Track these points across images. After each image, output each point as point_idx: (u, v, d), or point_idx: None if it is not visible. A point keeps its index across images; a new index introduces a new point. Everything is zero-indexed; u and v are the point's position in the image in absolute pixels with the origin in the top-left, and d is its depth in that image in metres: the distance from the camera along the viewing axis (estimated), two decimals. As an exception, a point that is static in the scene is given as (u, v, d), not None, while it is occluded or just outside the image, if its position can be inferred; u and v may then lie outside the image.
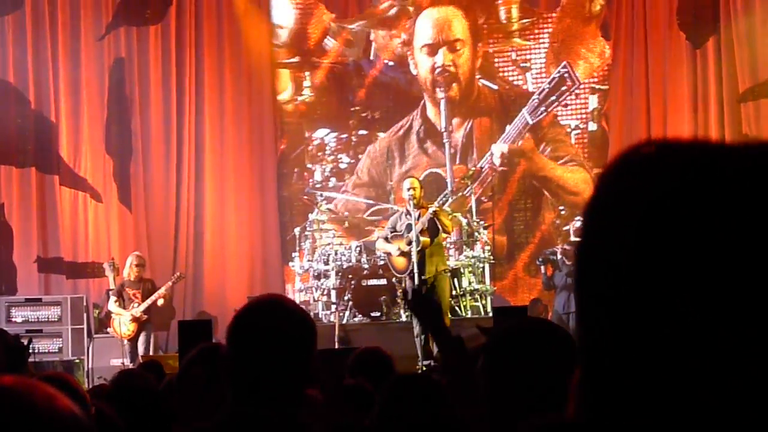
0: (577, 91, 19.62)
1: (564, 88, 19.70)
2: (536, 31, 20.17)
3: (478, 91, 20.24)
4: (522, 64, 20.28)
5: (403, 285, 14.08)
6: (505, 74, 20.36)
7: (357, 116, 20.10)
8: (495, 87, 20.17)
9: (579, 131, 19.67)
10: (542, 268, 16.80)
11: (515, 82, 20.28)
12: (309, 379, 3.04)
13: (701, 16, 17.74)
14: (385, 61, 20.44)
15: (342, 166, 19.74)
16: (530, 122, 19.83)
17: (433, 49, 20.17)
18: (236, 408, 2.99)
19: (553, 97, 19.70)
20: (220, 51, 19.05)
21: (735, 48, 17.46)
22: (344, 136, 20.01)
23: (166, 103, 18.66)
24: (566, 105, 19.96)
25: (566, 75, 19.83)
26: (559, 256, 16.54)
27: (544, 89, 19.84)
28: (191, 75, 18.83)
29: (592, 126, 19.64)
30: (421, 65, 20.31)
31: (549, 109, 19.80)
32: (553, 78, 19.82)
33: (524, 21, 20.27)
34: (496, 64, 20.27)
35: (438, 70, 20.11)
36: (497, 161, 19.42)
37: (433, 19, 20.30)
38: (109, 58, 18.56)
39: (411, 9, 20.42)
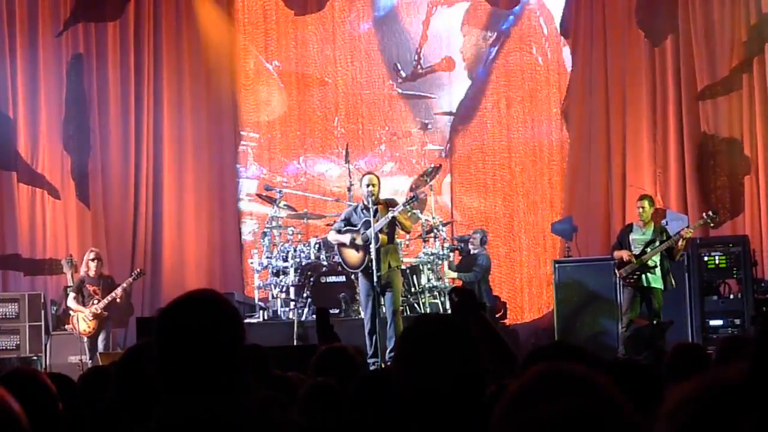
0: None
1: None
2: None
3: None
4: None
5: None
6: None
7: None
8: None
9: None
10: (451, 255, 16.62)
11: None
12: (237, 369, 3.13)
13: (660, 14, 17.80)
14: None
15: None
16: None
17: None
18: (169, 399, 3.08)
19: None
20: (179, 47, 18.99)
21: (693, 46, 17.53)
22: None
23: (124, 99, 18.58)
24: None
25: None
26: (478, 237, 16.44)
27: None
28: (150, 71, 18.76)
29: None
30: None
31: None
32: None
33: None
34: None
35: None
36: None
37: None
38: (67, 55, 18.46)
39: None
